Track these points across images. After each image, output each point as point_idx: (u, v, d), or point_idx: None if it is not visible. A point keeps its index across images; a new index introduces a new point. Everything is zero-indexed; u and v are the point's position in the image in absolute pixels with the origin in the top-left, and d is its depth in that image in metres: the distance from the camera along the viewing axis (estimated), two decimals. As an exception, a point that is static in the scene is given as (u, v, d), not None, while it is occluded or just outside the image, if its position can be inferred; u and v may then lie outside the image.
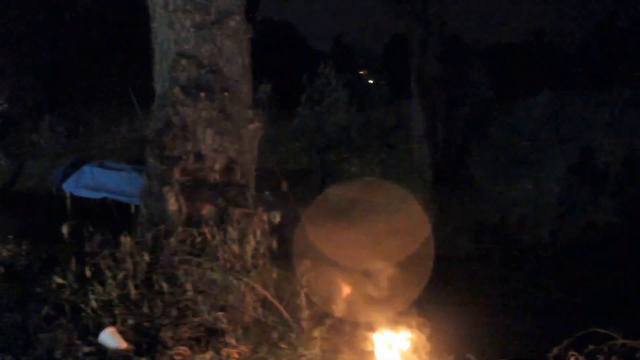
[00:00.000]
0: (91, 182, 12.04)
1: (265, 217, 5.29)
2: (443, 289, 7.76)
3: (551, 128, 15.96)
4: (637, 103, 15.65)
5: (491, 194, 14.22)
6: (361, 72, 31.32)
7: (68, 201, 11.75)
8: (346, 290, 5.12)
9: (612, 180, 13.21)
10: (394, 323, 4.64)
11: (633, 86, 16.60)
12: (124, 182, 11.59)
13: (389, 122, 20.38)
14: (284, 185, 9.70)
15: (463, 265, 9.52)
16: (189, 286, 4.96)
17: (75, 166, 12.61)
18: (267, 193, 6.19)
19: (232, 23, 6.36)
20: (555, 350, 3.84)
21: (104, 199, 11.82)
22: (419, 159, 15.87)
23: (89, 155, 17.24)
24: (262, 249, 5.18)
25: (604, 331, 3.62)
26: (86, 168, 12.24)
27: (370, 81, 28.77)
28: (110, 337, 4.53)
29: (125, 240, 4.99)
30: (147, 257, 5.05)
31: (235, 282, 5.00)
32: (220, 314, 4.86)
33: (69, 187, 12.13)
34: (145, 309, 4.82)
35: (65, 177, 12.44)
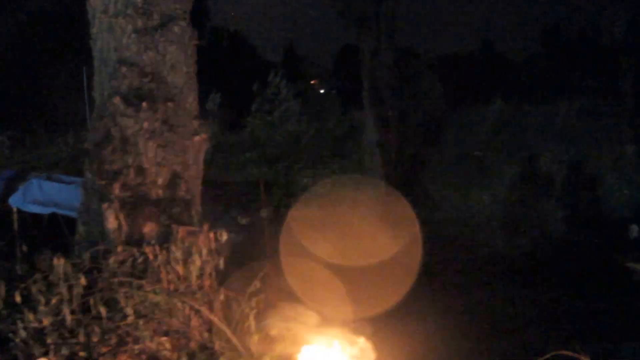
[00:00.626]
0: (39, 196, 11.48)
1: (211, 235, 4.98)
2: (396, 303, 7.56)
3: (504, 137, 16.05)
4: (589, 113, 15.89)
5: (445, 204, 14.17)
6: (312, 82, 31.21)
7: (15, 216, 11.16)
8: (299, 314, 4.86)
9: (564, 189, 13.30)
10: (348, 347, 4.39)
11: (584, 96, 16.87)
12: (74, 196, 11.01)
13: (341, 132, 20.26)
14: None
15: (417, 277, 9.32)
16: (129, 310, 4.62)
17: (17, 179, 12.02)
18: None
19: (176, 29, 6.04)
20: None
21: (53, 214, 11.26)
22: (372, 169, 15.75)
23: (32, 167, 16.58)
24: (208, 269, 4.87)
25: (571, 354, 3.44)
26: (34, 181, 11.67)
27: (322, 91, 28.67)
28: (41, 369, 4.16)
29: (59, 262, 4.60)
30: (83, 280, 4.67)
31: (179, 305, 4.69)
32: (163, 339, 4.56)
33: (16, 201, 11.53)
34: (82, 337, 4.45)
35: (8, 190, 11.85)
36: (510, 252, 11.02)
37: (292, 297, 5.64)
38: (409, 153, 15.68)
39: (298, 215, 12.02)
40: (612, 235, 11.40)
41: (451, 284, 9.29)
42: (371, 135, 15.62)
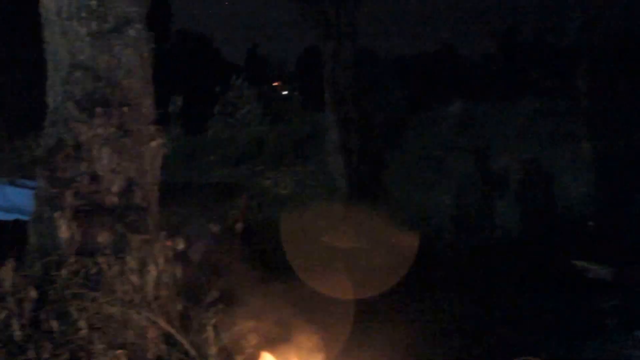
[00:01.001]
0: (2, 202, 11.20)
1: (168, 243, 4.87)
2: (358, 309, 7.49)
3: (464, 138, 16.21)
4: (545, 112, 16.16)
5: (407, 204, 14.22)
6: (275, 84, 31.13)
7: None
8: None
9: (521, 188, 13.47)
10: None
11: (540, 96, 17.15)
12: None
13: (303, 133, 20.23)
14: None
15: (376, 279, 9.31)
16: (82, 323, 4.48)
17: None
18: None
19: (132, 32, 5.89)
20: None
21: (17, 220, 10.95)
22: (334, 170, 15.75)
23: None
24: (165, 279, 4.75)
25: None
26: None
27: (284, 92, 28.61)
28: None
29: (7, 275, 4.44)
30: (34, 293, 4.52)
31: (135, 316, 4.56)
32: (118, 352, 4.42)
33: None
34: (32, 353, 4.29)
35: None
36: (467, 251, 11.09)
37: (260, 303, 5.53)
38: (370, 154, 15.70)
39: (262, 219, 11.94)
40: (567, 234, 11.57)
41: (410, 284, 9.27)
42: (333, 137, 15.60)
